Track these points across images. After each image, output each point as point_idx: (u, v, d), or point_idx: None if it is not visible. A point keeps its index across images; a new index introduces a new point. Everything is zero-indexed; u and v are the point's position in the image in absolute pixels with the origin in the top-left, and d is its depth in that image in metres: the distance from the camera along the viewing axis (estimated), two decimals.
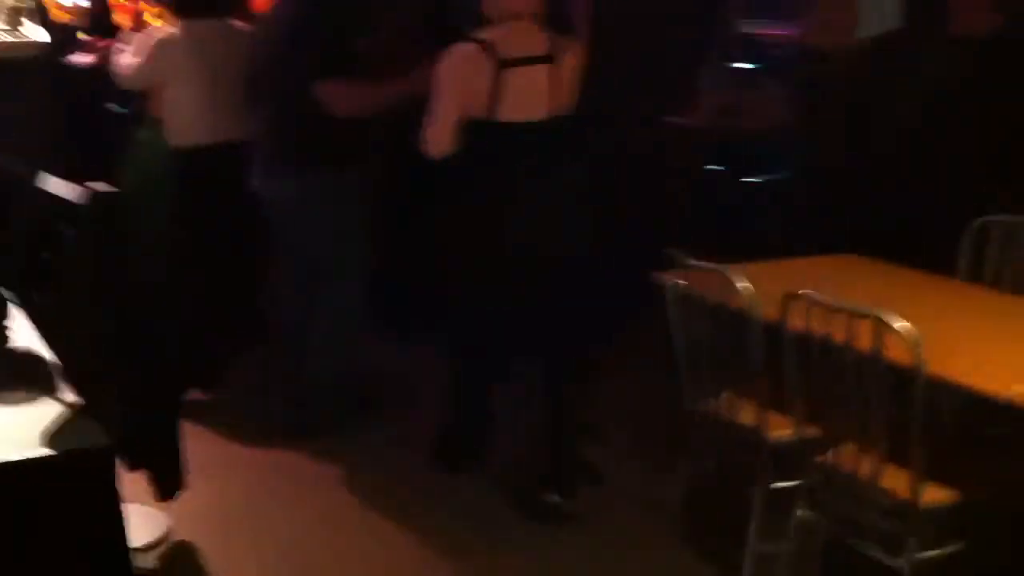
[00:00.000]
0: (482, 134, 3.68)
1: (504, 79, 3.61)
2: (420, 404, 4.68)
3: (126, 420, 2.82)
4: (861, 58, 5.62)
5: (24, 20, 4.14)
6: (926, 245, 4.12)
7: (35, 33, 4.43)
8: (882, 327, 2.66)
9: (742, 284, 3.04)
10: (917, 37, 4.89)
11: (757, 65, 8.16)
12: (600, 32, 6.83)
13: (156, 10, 5.29)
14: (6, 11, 4.42)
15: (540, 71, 3.70)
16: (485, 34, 3.70)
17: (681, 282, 3.28)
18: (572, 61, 3.83)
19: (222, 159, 4.38)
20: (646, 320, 4.46)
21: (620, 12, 6.62)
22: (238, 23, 4.61)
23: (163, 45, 4.42)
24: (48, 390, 2.90)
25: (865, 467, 2.82)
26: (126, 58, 4.54)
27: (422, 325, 5.24)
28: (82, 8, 6.83)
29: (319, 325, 4.28)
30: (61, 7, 5.56)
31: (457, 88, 3.64)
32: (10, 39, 4.50)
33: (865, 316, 2.70)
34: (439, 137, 3.68)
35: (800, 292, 2.85)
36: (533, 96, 3.70)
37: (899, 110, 4.82)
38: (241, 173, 4.32)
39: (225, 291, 4.57)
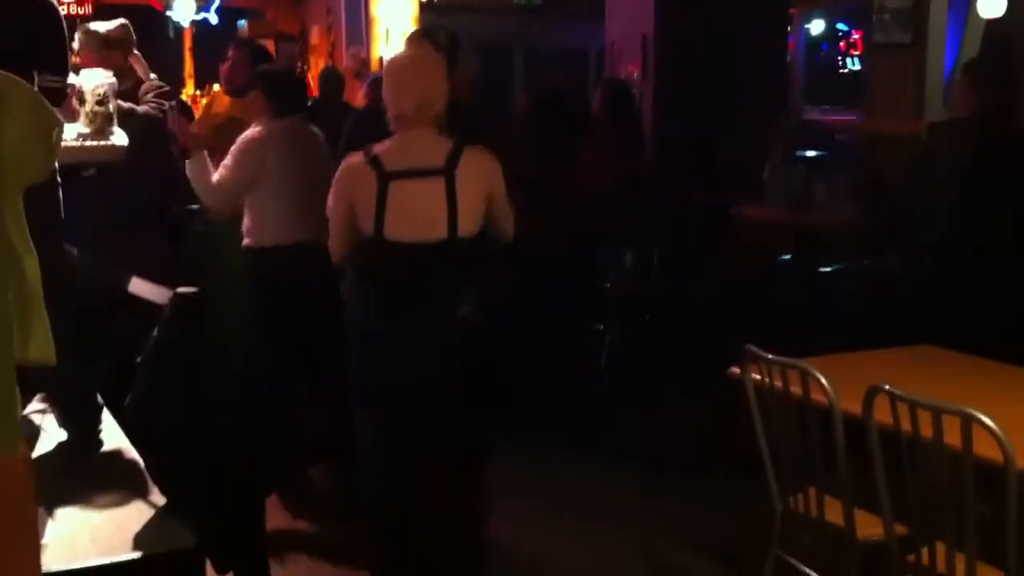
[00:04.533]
0: (370, 253, 3.31)
1: (390, 194, 3.22)
2: None
3: (214, 522, 2.86)
4: (927, 145, 5.62)
5: (114, 128, 4.26)
6: (1002, 334, 4.07)
7: (119, 138, 4.56)
8: (970, 423, 2.62)
9: (824, 380, 3.02)
10: (985, 125, 4.86)
11: (823, 152, 8.20)
12: (666, 126, 6.97)
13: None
14: (92, 114, 4.54)
15: (433, 185, 3.24)
16: (378, 145, 3.33)
17: (759, 377, 3.27)
18: (476, 172, 3.30)
19: (304, 259, 4.41)
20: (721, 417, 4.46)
21: (685, 105, 6.73)
22: (310, 124, 4.65)
23: (252, 146, 4.37)
24: (138, 492, 2.96)
25: (958, 567, 2.76)
26: (216, 174, 4.40)
27: None
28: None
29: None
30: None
31: (342, 201, 3.34)
32: (92, 143, 4.60)
33: (953, 413, 2.66)
34: (334, 249, 3.45)
35: (884, 387, 2.82)
36: (422, 214, 3.24)
37: (966, 197, 4.80)
38: (320, 273, 4.35)
39: (304, 393, 4.58)
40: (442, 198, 3.21)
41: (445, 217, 3.21)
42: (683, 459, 5.00)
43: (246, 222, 4.51)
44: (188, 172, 4.41)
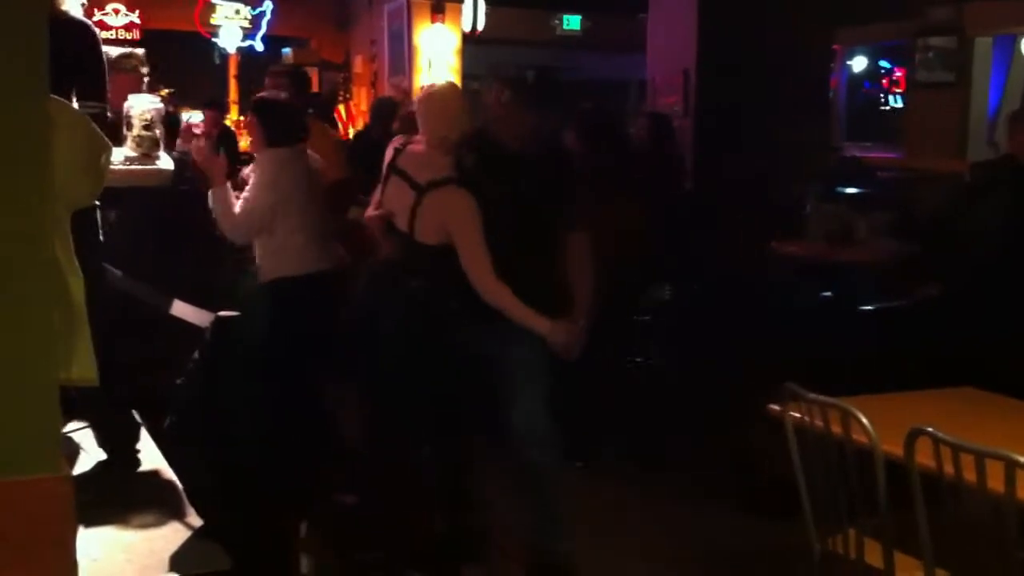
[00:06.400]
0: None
1: (390, 180, 3.97)
2: None
3: (249, 544, 2.86)
4: (971, 183, 5.59)
5: (160, 152, 4.31)
6: None
7: (164, 163, 4.61)
8: (1014, 469, 2.58)
9: (865, 420, 2.99)
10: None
11: (864, 189, 8.15)
12: (708, 161, 6.96)
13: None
14: (138, 139, 4.58)
15: (410, 192, 3.87)
16: (412, 144, 4.03)
17: (798, 415, 3.24)
18: (438, 203, 3.79)
19: (317, 288, 4.44)
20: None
21: (728, 140, 6.73)
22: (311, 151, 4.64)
23: (273, 172, 4.38)
24: (174, 513, 2.97)
25: None
26: (237, 206, 4.38)
27: None
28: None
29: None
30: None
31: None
32: (138, 167, 4.65)
33: (996, 457, 2.62)
34: None
35: (926, 429, 2.79)
36: (398, 204, 3.91)
37: (1007, 237, 4.75)
38: (330, 302, 4.41)
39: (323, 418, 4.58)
40: (410, 203, 3.84)
41: (408, 217, 3.85)
42: (684, 459, 5.09)
43: (270, 255, 4.46)
44: (210, 202, 4.38)
